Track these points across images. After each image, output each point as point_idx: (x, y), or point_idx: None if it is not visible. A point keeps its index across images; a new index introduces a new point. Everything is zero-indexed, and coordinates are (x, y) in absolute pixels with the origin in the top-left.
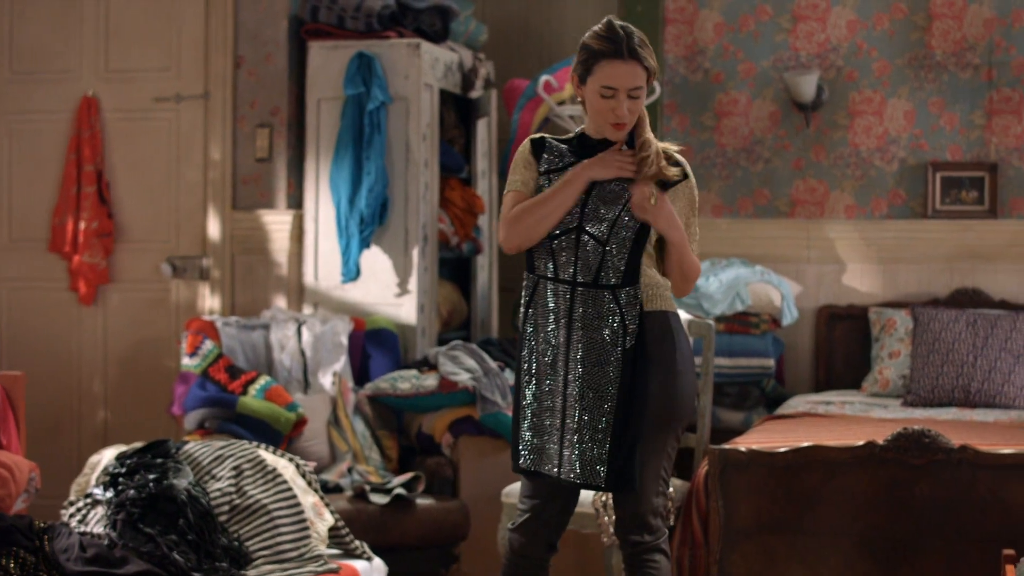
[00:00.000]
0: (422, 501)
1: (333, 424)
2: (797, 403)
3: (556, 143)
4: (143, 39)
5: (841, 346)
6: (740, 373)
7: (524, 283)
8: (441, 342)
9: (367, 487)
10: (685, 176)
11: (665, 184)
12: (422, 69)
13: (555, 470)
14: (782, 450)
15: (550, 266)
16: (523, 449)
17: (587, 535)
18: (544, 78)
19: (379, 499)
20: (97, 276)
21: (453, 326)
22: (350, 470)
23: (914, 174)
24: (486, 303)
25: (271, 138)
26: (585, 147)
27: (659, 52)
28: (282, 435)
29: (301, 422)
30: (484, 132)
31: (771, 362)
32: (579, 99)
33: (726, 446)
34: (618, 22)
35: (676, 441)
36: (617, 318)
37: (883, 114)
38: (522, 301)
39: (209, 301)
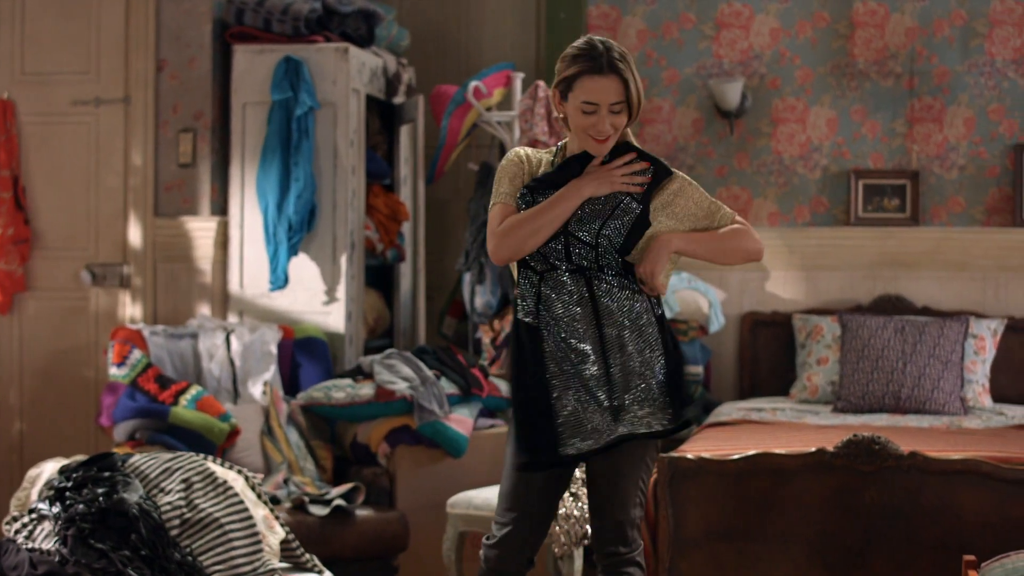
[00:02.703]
0: (361, 512)
1: (266, 434)
2: (729, 410)
3: (537, 157)
4: (61, 41)
5: (765, 353)
6: None
7: (520, 287)
8: (366, 350)
9: (306, 498)
10: (665, 171)
11: (659, 174)
12: (350, 74)
13: (604, 437)
14: (734, 457)
15: (551, 260)
16: (563, 436)
17: None
18: (473, 84)
19: (318, 510)
20: (13, 284)
21: (378, 334)
22: (286, 481)
23: (836, 182)
24: (409, 311)
25: (194, 143)
26: (568, 163)
27: None
28: (216, 446)
29: (234, 433)
30: (407, 138)
31: (700, 369)
32: (560, 115)
33: (674, 454)
34: (597, 38)
35: (655, 451)
36: (632, 295)
37: (806, 122)
38: (521, 304)
39: (130, 309)
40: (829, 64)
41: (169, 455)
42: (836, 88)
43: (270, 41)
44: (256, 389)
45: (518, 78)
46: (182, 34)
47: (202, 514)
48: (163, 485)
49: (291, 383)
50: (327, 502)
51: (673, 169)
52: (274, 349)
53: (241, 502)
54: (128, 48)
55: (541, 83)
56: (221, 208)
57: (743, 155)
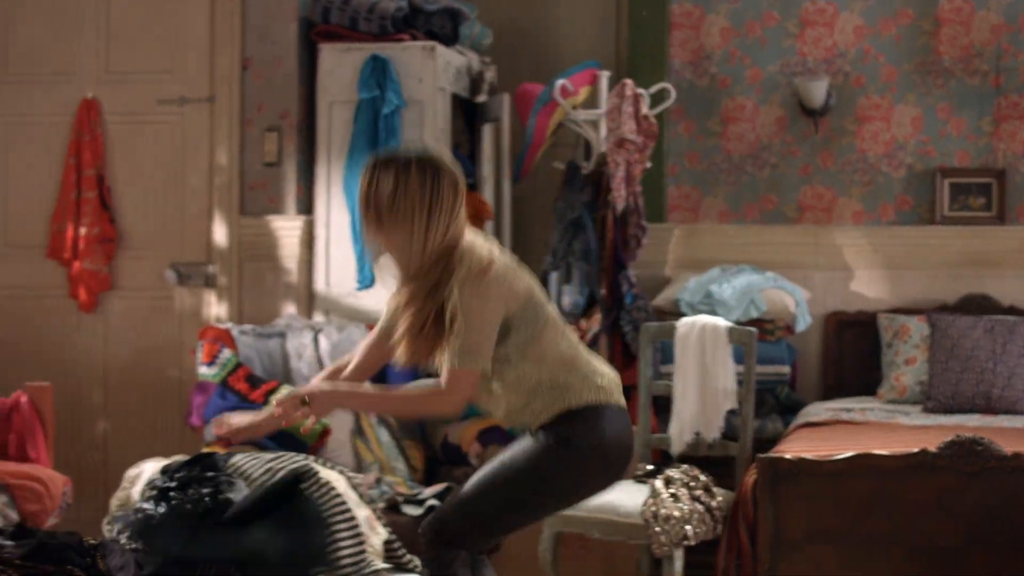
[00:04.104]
0: None
1: (357, 434)
2: (818, 410)
3: None
4: (145, 40)
5: (850, 352)
6: (756, 380)
7: None
8: None
9: (399, 498)
10: None
11: None
12: (436, 73)
13: None
14: (835, 458)
15: None
16: None
17: (630, 545)
18: (560, 82)
19: (412, 511)
20: (98, 283)
21: None
22: (378, 481)
23: (922, 180)
24: None
25: (280, 142)
26: None
27: (664, 57)
28: (307, 446)
29: (325, 432)
30: (490, 137)
31: (787, 369)
32: None
33: (773, 455)
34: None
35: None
36: None
37: (891, 120)
38: None
39: (215, 309)
40: (914, 61)
41: (271, 455)
42: (921, 86)
43: (356, 39)
44: None
45: (604, 76)
46: (268, 33)
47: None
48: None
49: (379, 382)
50: (420, 502)
51: (469, 279)
52: None
53: (344, 502)
54: (213, 47)
55: (629, 81)
56: (306, 207)
57: (827, 154)
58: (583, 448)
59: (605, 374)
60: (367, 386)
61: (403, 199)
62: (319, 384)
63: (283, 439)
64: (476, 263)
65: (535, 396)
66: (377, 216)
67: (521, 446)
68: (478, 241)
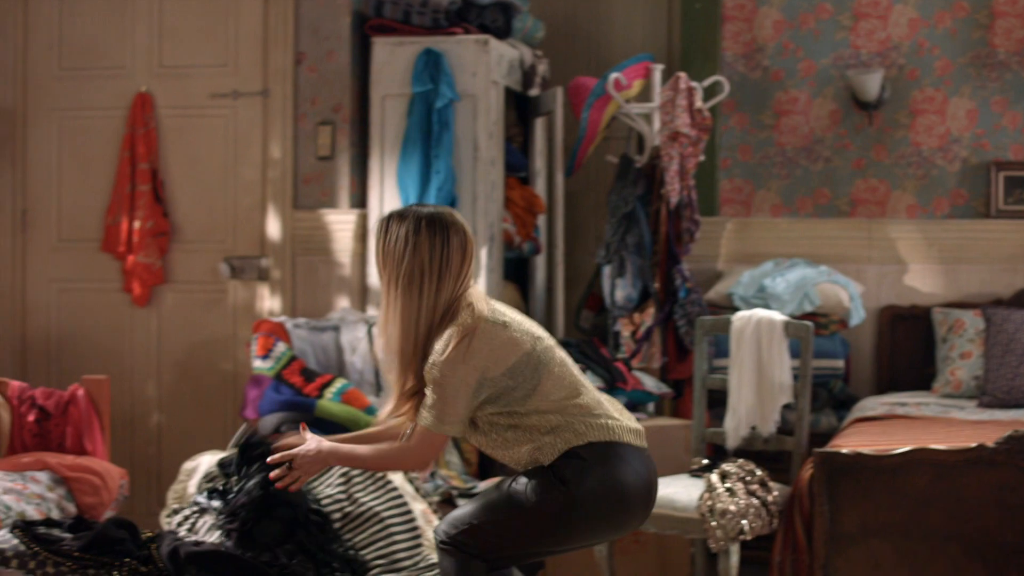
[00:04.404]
0: None
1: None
2: (873, 405)
3: None
4: (199, 35)
5: (904, 346)
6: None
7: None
8: None
9: (453, 492)
10: None
11: None
12: (489, 66)
13: None
14: (892, 453)
15: None
16: None
17: (685, 540)
18: (613, 76)
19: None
20: (152, 277)
21: None
22: (432, 475)
23: (976, 173)
24: (543, 304)
25: (333, 136)
26: None
27: (717, 50)
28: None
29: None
30: (542, 130)
31: (841, 363)
32: None
33: (829, 449)
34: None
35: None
36: None
37: (945, 113)
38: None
39: (268, 302)
40: (969, 54)
41: None
42: (976, 79)
43: (409, 33)
44: None
45: (657, 70)
46: (321, 27)
47: (363, 508)
48: (323, 479)
49: None
50: (474, 495)
51: (449, 343)
52: None
53: (400, 496)
54: (266, 41)
55: (683, 75)
56: (360, 200)
57: (881, 147)
58: (589, 486)
59: (616, 417)
60: (344, 445)
61: (412, 258)
62: (306, 446)
63: (337, 432)
64: (453, 332)
65: (538, 440)
66: (389, 273)
67: (528, 479)
68: (467, 301)
